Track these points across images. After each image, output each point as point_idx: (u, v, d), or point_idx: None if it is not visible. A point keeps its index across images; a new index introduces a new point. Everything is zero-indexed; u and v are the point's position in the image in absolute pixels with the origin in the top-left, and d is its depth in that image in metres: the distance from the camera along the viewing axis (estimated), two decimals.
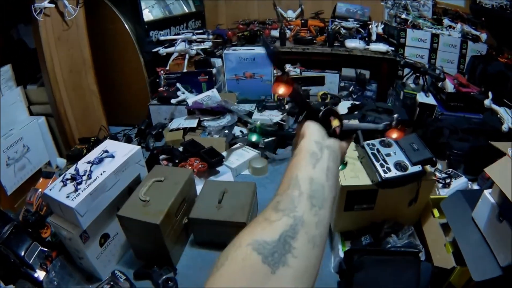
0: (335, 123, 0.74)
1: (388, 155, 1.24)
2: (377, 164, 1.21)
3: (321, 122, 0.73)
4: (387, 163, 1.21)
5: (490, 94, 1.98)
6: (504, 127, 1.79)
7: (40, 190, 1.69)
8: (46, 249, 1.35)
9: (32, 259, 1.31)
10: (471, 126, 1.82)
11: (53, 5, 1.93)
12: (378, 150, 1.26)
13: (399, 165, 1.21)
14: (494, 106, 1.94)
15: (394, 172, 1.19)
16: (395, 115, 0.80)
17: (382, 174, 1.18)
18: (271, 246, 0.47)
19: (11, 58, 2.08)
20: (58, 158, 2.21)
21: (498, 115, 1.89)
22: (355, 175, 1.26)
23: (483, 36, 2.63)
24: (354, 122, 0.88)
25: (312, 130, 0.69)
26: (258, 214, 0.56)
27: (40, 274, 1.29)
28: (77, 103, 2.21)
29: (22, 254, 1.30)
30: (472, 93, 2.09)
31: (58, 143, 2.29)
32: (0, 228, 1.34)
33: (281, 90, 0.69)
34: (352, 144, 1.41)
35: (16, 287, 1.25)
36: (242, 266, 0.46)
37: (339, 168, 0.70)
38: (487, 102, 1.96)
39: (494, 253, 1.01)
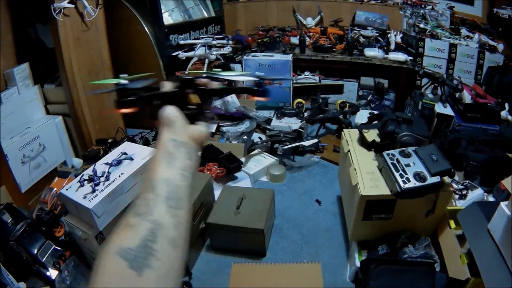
0: (193, 99, 0.71)
1: (408, 165, 1.23)
2: (397, 175, 1.20)
3: (179, 102, 0.69)
4: (406, 174, 1.20)
5: (506, 105, 1.96)
6: None
7: (55, 189, 1.71)
8: (59, 248, 1.37)
9: (45, 257, 1.32)
10: (488, 137, 1.81)
11: (72, 6, 1.93)
12: (397, 160, 1.25)
13: (418, 176, 1.20)
14: (511, 118, 1.92)
15: (413, 183, 1.18)
16: None
17: (402, 184, 1.18)
18: (134, 251, 0.50)
19: (29, 57, 2.09)
20: (74, 158, 2.23)
21: None
22: (375, 185, 1.26)
23: (500, 47, 2.60)
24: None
25: (168, 124, 0.67)
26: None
27: (52, 273, 1.30)
28: (94, 104, 2.22)
29: (35, 252, 1.32)
30: (489, 104, 2.07)
31: (75, 143, 2.30)
32: (13, 225, 1.36)
33: (126, 111, 0.70)
34: (372, 154, 1.42)
35: (27, 285, 1.26)
36: (113, 273, 0.49)
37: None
38: (503, 113, 1.95)
39: (509, 265, 1.00)
